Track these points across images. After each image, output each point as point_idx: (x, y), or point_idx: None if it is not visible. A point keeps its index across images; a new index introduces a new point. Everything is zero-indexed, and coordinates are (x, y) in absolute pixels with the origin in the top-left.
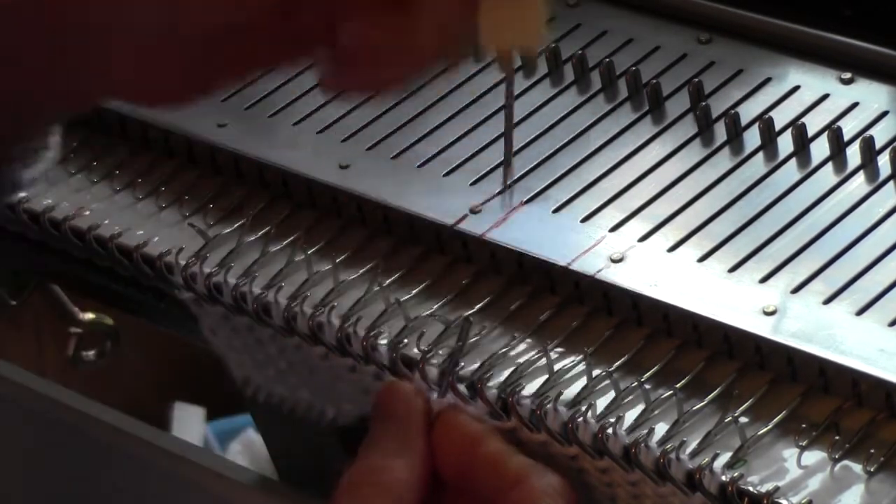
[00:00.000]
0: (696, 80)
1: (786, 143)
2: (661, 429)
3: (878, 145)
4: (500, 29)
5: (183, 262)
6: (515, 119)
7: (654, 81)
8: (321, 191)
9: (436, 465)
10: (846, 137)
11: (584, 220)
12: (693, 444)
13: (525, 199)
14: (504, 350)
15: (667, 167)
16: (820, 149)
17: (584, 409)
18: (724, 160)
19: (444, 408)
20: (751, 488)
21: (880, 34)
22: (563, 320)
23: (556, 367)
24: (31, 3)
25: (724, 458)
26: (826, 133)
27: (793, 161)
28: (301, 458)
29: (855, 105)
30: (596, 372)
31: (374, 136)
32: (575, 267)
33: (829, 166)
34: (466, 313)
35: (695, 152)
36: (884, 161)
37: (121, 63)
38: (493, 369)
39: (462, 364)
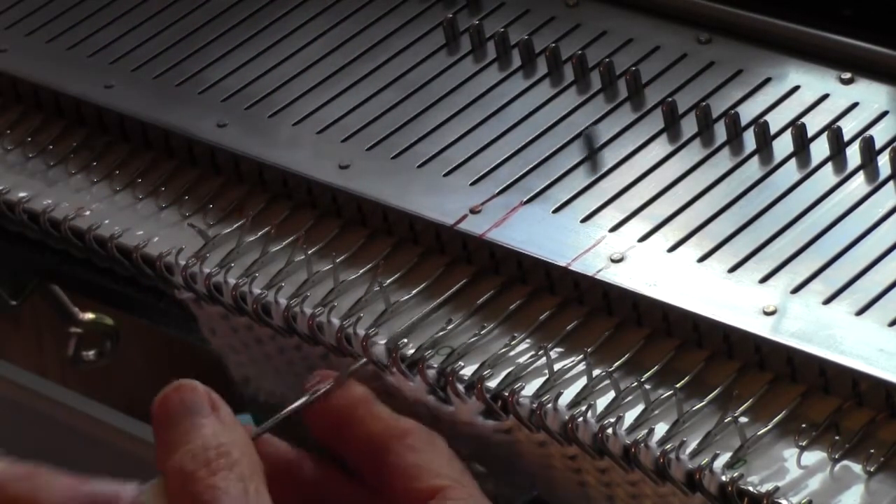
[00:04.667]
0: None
1: (786, 143)
2: (661, 429)
3: (878, 145)
4: None
5: (183, 262)
6: (516, 119)
7: (654, 81)
8: (321, 191)
9: (315, 438)
10: (846, 137)
11: (584, 220)
12: (693, 444)
13: (525, 199)
14: (504, 350)
15: (667, 167)
16: (820, 149)
17: (584, 409)
18: (724, 160)
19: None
20: (751, 488)
21: (880, 34)
22: (562, 320)
23: (556, 367)
24: None
25: (724, 458)
26: (826, 133)
27: (793, 161)
28: None
29: (855, 105)
30: (596, 372)
31: (374, 136)
32: (575, 267)
33: (829, 166)
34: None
35: (695, 152)
36: (884, 161)
37: None
38: (492, 369)
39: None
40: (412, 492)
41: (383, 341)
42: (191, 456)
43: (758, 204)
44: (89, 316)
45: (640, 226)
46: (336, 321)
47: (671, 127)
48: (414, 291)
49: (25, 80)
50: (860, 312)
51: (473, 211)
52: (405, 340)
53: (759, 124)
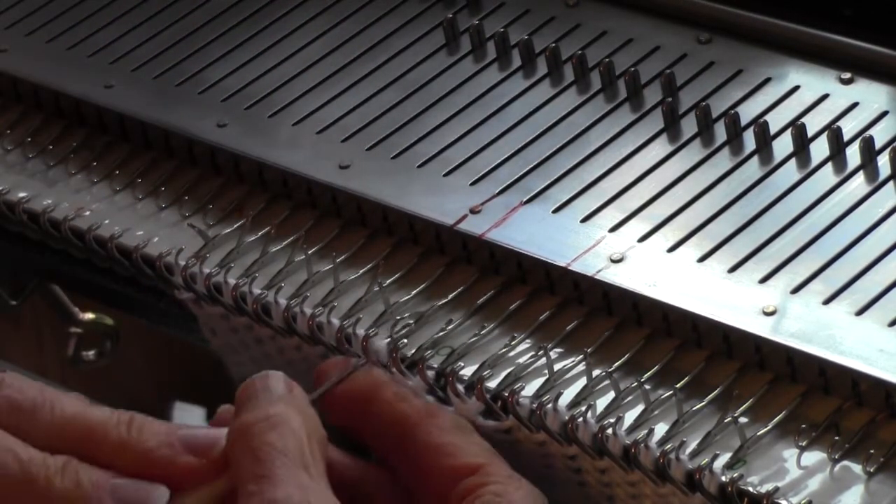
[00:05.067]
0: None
1: (786, 144)
2: (661, 429)
3: (877, 145)
4: None
5: (183, 262)
6: (516, 119)
7: (654, 81)
8: (321, 191)
9: (333, 420)
10: (846, 137)
11: (584, 220)
12: (693, 444)
13: (525, 199)
14: (504, 350)
15: (667, 167)
16: (820, 149)
17: (584, 409)
18: (723, 160)
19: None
20: (751, 488)
21: (880, 34)
22: (562, 320)
23: (556, 367)
24: None
25: (724, 458)
26: (826, 133)
27: (793, 161)
28: None
29: (855, 105)
30: (596, 372)
31: (374, 136)
32: (574, 267)
33: (829, 166)
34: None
35: (695, 152)
36: (884, 161)
37: None
38: (492, 369)
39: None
40: (447, 469)
41: (384, 341)
42: (252, 414)
43: (758, 204)
44: (89, 316)
45: (640, 226)
46: (336, 321)
47: (671, 127)
48: (414, 292)
49: (25, 80)
50: (860, 312)
51: (473, 211)
52: (405, 341)
53: (759, 124)
